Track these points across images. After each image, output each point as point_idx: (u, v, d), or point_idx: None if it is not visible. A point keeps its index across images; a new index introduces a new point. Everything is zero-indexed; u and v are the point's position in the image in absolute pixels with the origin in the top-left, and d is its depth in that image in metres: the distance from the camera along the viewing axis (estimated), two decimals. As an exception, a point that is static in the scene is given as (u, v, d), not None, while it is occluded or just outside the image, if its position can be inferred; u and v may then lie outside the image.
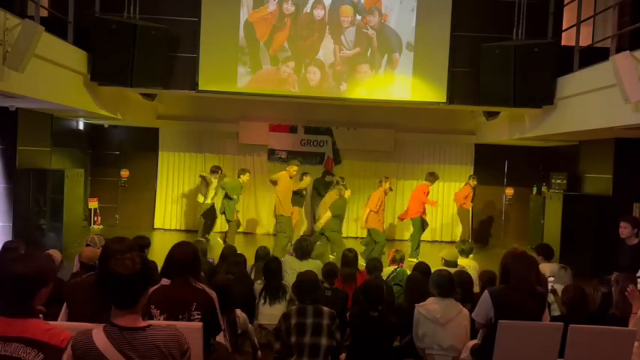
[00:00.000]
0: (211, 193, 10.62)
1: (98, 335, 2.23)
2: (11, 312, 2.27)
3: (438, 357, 4.16)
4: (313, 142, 11.90)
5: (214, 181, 10.55)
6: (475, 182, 10.88)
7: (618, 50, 6.13)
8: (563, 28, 8.40)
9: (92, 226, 11.39)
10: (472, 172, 11.95)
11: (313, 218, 10.82)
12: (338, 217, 9.14)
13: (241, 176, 10.00)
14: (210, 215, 10.72)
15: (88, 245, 5.35)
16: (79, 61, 7.61)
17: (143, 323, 2.31)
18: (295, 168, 9.15)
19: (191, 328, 3.05)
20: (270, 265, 5.36)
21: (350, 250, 6.43)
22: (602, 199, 8.68)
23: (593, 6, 8.41)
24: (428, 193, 9.68)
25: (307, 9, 8.41)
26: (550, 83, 7.84)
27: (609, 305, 4.36)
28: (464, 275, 5.00)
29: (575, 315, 3.93)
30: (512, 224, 12.02)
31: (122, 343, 2.22)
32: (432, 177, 9.77)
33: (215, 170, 10.61)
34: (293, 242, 8.91)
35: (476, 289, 5.26)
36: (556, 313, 4.66)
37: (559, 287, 5.21)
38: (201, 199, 10.74)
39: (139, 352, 2.23)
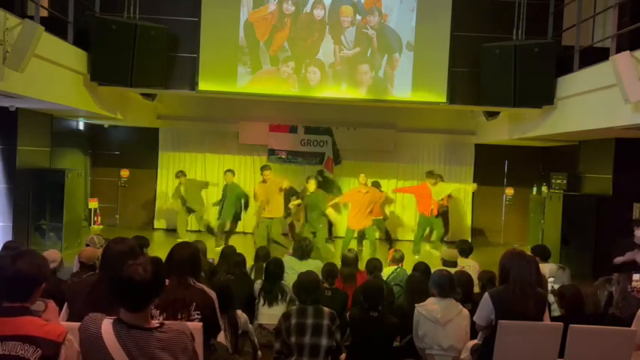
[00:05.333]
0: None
1: (107, 329, 2.24)
2: (6, 311, 2.28)
3: (438, 357, 4.16)
4: (313, 142, 11.87)
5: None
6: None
7: (618, 50, 6.12)
8: (563, 28, 8.40)
9: (92, 226, 11.38)
10: (472, 173, 11.95)
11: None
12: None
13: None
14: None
15: (87, 245, 5.37)
16: (79, 61, 7.60)
17: (153, 324, 2.31)
18: (267, 173, 9.24)
19: (191, 328, 3.04)
20: (268, 267, 5.36)
21: (350, 250, 6.43)
22: (602, 199, 8.66)
23: (593, 6, 8.40)
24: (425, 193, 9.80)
25: (307, 9, 8.41)
26: (550, 83, 7.83)
27: (611, 305, 4.37)
28: (464, 275, 5.01)
29: (571, 315, 3.93)
30: (512, 224, 12.01)
31: (128, 341, 2.23)
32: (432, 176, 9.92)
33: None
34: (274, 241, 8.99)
35: (476, 289, 5.26)
36: (556, 313, 4.66)
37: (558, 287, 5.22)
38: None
39: (144, 351, 2.23)
